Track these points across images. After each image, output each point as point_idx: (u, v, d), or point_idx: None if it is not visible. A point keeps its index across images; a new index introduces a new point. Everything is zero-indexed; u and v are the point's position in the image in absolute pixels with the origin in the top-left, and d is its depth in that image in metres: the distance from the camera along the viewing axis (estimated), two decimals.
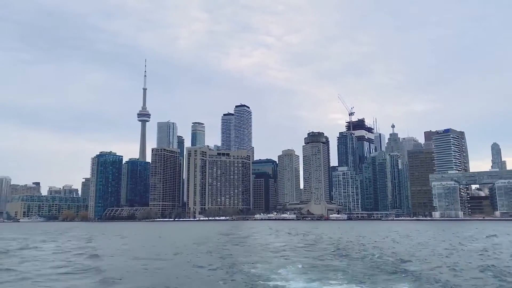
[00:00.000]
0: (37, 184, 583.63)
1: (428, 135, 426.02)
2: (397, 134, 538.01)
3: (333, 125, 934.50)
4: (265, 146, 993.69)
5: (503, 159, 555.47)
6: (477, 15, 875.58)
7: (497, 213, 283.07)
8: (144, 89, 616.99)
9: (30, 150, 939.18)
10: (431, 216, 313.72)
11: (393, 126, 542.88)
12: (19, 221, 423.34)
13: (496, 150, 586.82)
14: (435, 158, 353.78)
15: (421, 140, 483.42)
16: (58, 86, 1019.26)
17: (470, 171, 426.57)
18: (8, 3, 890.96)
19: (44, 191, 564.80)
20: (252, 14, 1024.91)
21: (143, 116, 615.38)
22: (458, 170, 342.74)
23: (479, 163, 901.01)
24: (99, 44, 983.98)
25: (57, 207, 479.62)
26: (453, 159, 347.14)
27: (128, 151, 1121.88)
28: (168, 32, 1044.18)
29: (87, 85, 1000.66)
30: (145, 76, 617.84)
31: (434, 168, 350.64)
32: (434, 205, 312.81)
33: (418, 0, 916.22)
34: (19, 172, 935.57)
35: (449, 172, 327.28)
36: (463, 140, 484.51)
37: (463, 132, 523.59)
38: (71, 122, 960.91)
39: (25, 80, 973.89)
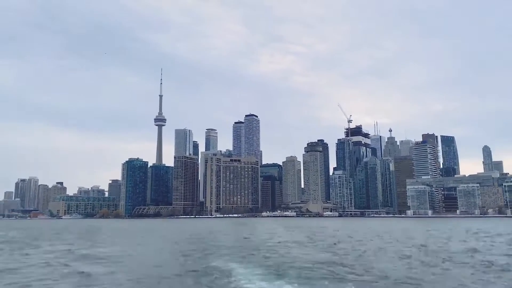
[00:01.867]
0: (61, 183, 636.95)
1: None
2: (394, 137, 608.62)
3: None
4: (277, 146, 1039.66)
5: (499, 160, 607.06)
6: (499, 25, 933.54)
7: (458, 211, 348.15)
8: (160, 96, 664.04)
9: (54, 149, 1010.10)
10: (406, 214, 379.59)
11: (390, 131, 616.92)
12: (61, 218, 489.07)
13: (487, 152, 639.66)
14: (414, 165, 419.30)
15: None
16: (93, 90, 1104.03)
17: (460, 172, 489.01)
18: (57, 16, 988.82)
19: (69, 191, 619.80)
20: (285, 25, 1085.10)
21: (160, 121, 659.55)
22: (433, 175, 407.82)
23: (473, 163, 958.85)
24: (137, 52, 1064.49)
25: (92, 206, 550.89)
26: (428, 165, 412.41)
27: (146, 152, 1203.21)
28: (202, 42, 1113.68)
29: (118, 90, 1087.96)
30: (161, 84, 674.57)
31: (414, 173, 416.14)
32: (408, 204, 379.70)
33: (441, 10, 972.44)
34: (40, 171, 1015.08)
35: (423, 177, 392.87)
36: (452, 145, 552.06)
37: (453, 137, 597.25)
38: (96, 123, 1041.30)
39: (65, 85, 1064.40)
